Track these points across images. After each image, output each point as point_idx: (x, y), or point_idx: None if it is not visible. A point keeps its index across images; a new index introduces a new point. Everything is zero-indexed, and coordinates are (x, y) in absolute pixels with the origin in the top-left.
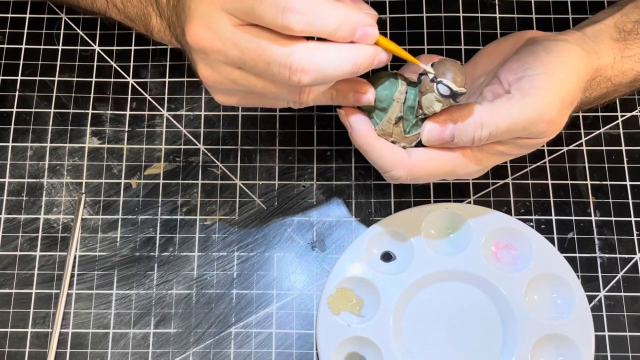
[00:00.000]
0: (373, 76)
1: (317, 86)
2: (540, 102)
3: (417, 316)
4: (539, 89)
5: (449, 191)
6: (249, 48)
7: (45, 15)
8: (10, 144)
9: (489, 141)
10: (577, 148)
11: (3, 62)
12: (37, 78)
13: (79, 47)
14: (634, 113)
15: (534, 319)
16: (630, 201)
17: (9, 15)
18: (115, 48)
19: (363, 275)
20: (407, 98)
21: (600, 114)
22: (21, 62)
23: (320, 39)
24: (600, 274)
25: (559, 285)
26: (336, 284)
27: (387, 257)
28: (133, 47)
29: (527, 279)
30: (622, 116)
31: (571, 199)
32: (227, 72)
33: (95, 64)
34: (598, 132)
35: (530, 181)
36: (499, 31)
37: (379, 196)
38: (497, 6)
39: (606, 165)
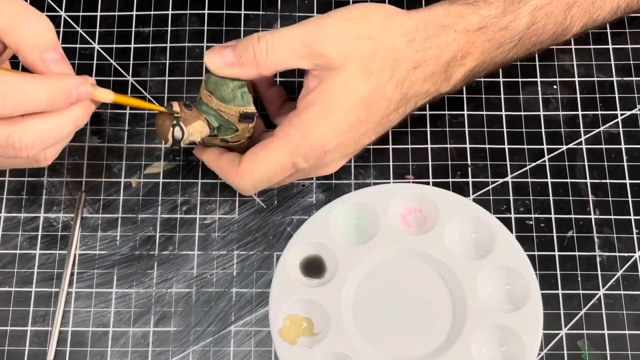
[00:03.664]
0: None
1: (52, 148)
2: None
3: (369, 306)
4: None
5: (449, 189)
6: None
7: (45, 13)
8: None
9: (270, 60)
10: (576, 146)
11: None
12: None
13: (78, 45)
14: (633, 111)
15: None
16: (630, 199)
17: None
18: (114, 46)
19: (300, 297)
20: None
21: (599, 112)
22: None
23: None
24: (599, 273)
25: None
26: (281, 316)
27: (312, 264)
28: (133, 45)
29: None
30: (621, 114)
31: (570, 198)
32: None
33: (94, 62)
34: (597, 130)
35: (529, 180)
36: None
37: None
38: None
39: (606, 163)
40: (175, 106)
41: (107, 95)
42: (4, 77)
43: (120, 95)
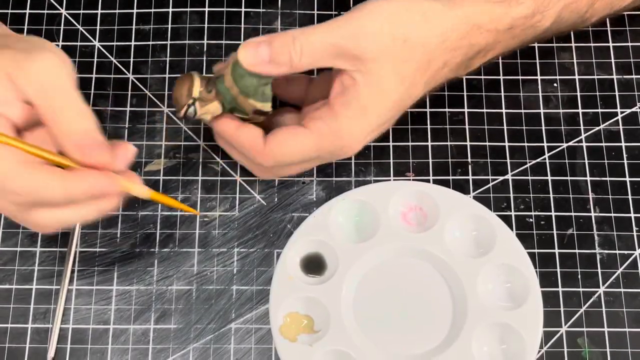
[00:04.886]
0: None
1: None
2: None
3: (370, 303)
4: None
5: (449, 187)
6: None
7: (45, 11)
8: None
9: (304, 61)
10: (576, 144)
11: None
12: None
13: (79, 43)
14: (633, 109)
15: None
16: (630, 197)
17: (9, 11)
18: (115, 44)
19: (300, 294)
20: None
21: (600, 110)
22: None
23: None
24: (599, 270)
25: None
26: (281, 314)
27: (312, 261)
28: (133, 43)
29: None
30: (621, 112)
31: (571, 195)
32: None
33: (95, 60)
34: (598, 128)
35: (529, 177)
36: None
37: None
38: None
39: (606, 161)
40: (197, 82)
41: (142, 191)
42: (19, 171)
43: (156, 193)
